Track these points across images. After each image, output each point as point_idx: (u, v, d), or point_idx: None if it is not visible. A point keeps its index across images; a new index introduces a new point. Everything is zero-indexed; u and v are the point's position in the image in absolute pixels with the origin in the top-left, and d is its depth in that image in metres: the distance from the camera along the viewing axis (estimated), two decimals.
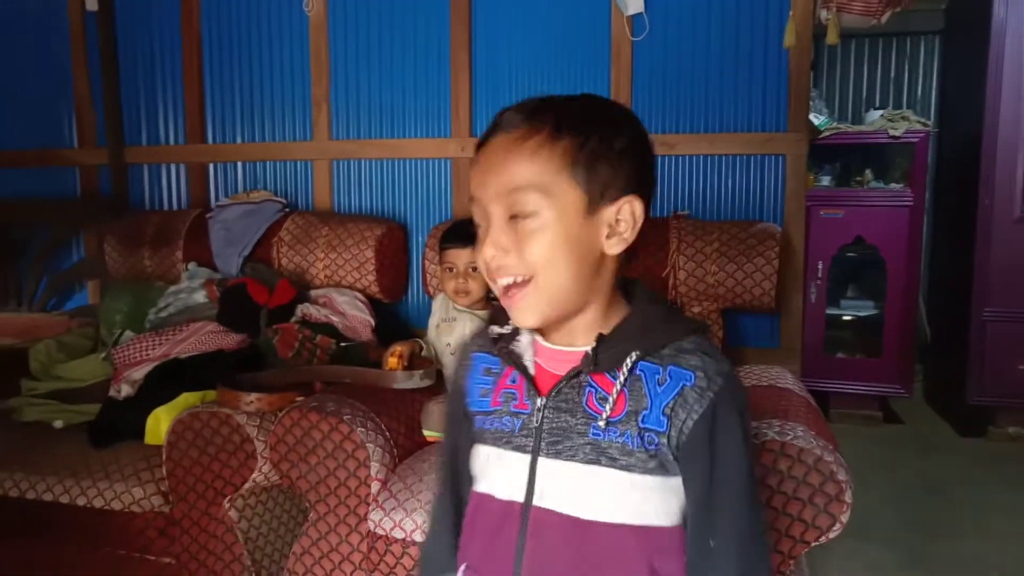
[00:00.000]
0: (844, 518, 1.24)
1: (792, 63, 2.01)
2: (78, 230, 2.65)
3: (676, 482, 0.75)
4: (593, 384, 0.76)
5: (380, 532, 1.51)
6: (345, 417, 1.56)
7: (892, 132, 3.41)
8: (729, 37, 2.06)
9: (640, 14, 2.09)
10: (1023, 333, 3.14)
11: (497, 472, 0.80)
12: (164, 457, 1.65)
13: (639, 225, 0.76)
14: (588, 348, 0.76)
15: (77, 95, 2.65)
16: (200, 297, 2.07)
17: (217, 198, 2.54)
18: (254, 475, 1.64)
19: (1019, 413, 3.20)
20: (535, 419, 0.77)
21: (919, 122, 3.43)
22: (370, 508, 1.53)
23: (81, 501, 1.69)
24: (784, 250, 1.92)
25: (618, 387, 0.74)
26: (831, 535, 1.24)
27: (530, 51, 2.22)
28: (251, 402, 1.65)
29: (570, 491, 0.75)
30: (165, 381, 1.82)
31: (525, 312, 0.75)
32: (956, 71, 3.74)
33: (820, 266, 3.50)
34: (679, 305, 1.90)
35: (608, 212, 0.75)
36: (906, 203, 3.44)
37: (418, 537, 1.46)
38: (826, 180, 3.60)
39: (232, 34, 2.47)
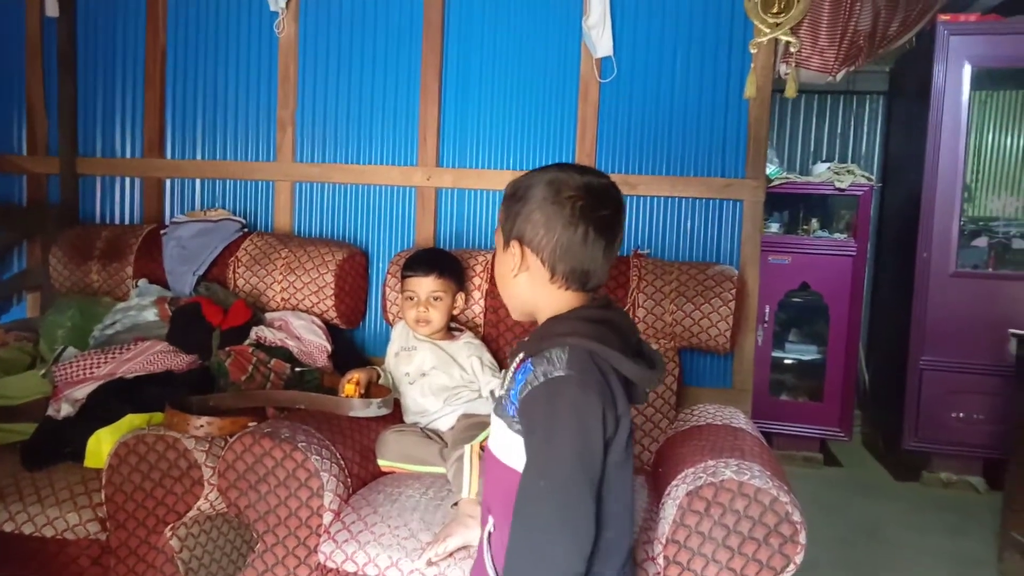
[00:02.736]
0: (798, 559, 1.26)
1: (752, 113, 2.09)
2: (21, 239, 2.54)
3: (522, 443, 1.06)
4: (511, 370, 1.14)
5: (331, 565, 1.47)
6: (300, 444, 1.52)
7: (838, 184, 3.57)
8: (693, 85, 2.14)
9: (609, 57, 2.15)
10: (957, 382, 3.28)
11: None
12: (104, 481, 1.58)
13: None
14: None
15: (30, 101, 2.56)
16: (150, 315, 2.00)
17: (172, 215, 2.47)
18: (199, 503, 1.58)
19: (952, 460, 3.32)
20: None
21: (864, 176, 3.59)
22: (321, 540, 1.49)
23: (8, 527, 1.60)
24: (739, 293, 1.97)
25: (509, 372, 1.12)
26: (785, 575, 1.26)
27: (500, 84, 2.25)
28: (201, 426, 1.59)
29: (493, 438, 1.14)
30: (109, 401, 1.74)
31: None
32: (899, 130, 3.95)
33: (767, 310, 3.60)
34: None
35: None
36: (849, 253, 3.58)
37: (371, 571, 1.43)
38: (774, 227, 3.73)
39: (198, 49, 2.44)
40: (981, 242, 3.42)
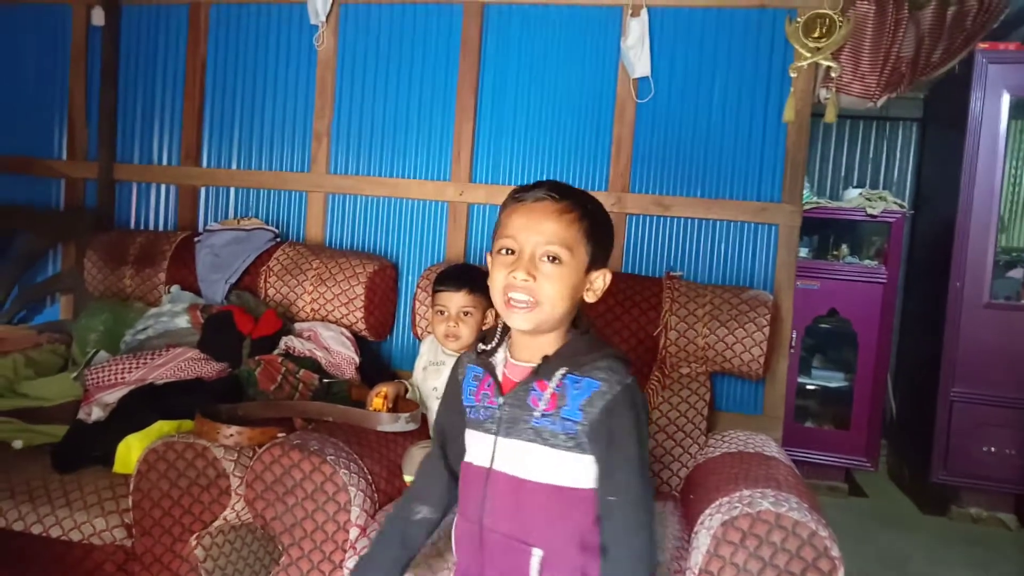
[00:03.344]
0: None
1: (790, 138, 2.07)
2: (57, 242, 2.58)
3: (587, 459, 1.06)
4: (536, 389, 1.08)
5: None
6: (328, 457, 1.51)
7: (870, 211, 3.52)
8: (731, 107, 2.12)
9: (646, 77, 2.14)
10: (988, 415, 3.20)
11: (474, 448, 1.14)
12: (132, 487, 1.58)
13: (605, 288, 1.14)
14: (534, 364, 1.10)
15: (72, 107, 2.61)
16: (182, 322, 2.01)
17: (206, 222, 2.50)
18: (226, 512, 1.58)
19: (982, 494, 3.24)
20: (499, 411, 1.11)
21: (896, 203, 3.55)
22: (347, 555, 1.48)
23: (36, 529, 1.60)
24: (774, 318, 1.94)
25: (550, 391, 1.07)
26: None
27: (536, 102, 2.26)
28: (231, 435, 1.59)
29: (515, 460, 1.09)
30: (139, 407, 1.75)
31: (523, 323, 1.07)
32: (932, 157, 3.90)
33: (794, 335, 3.55)
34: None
35: (594, 275, 1.11)
36: (880, 280, 3.53)
37: None
38: (804, 251, 3.69)
39: (238, 60, 2.48)
40: (1016, 273, 3.35)
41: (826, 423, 3.69)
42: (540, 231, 1.06)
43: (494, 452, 1.10)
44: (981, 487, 3.23)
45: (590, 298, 1.12)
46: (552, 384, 1.06)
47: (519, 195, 1.10)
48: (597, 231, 1.10)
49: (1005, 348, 3.18)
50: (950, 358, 3.26)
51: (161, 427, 1.69)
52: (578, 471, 1.06)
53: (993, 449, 3.20)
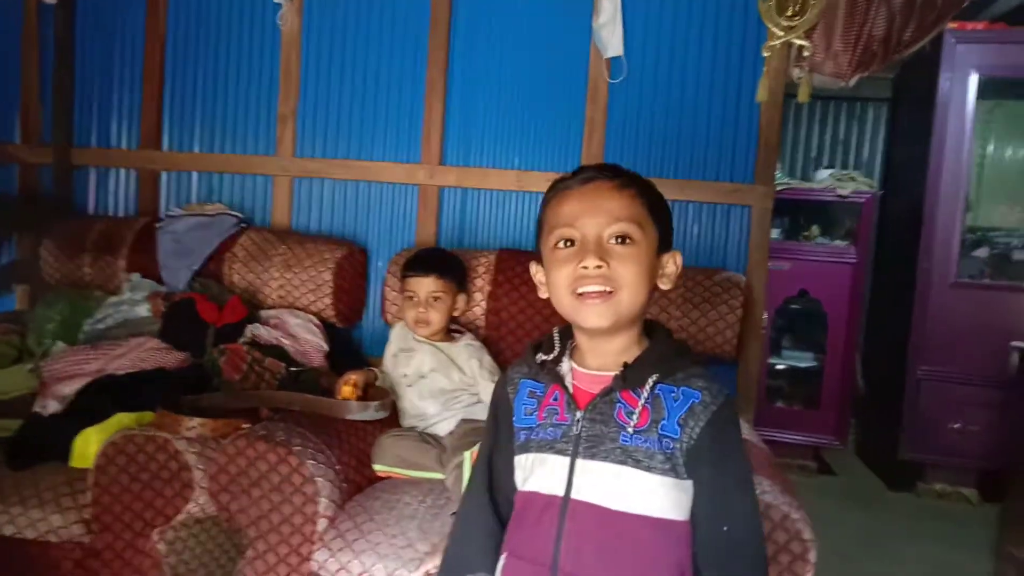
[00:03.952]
0: None
1: (763, 118, 2.06)
2: (12, 230, 2.48)
3: (687, 484, 0.91)
4: (621, 401, 0.93)
5: (324, 574, 1.43)
6: (295, 448, 1.47)
7: (840, 191, 3.54)
8: (704, 87, 2.10)
9: (619, 57, 2.11)
10: (955, 393, 3.26)
11: (541, 473, 0.95)
12: (91, 482, 1.53)
13: (679, 273, 0.99)
14: (617, 372, 0.93)
15: (25, 89, 2.51)
16: (142, 311, 1.95)
17: (168, 208, 2.42)
18: (189, 506, 1.54)
19: (947, 470, 3.30)
20: (574, 428, 0.94)
21: (866, 183, 3.57)
22: (315, 547, 1.45)
23: None
24: (746, 300, 1.93)
25: (642, 403, 0.91)
26: None
27: (507, 82, 2.21)
28: (193, 427, 1.55)
29: (602, 486, 0.90)
30: (98, 399, 1.69)
31: (601, 317, 0.92)
32: (901, 138, 3.92)
33: (765, 316, 3.57)
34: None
35: (665, 258, 0.98)
36: (850, 260, 3.56)
37: None
38: (775, 233, 3.70)
39: (199, 40, 2.39)
40: (982, 252, 3.40)
41: (796, 403, 3.73)
42: (604, 211, 0.93)
43: (571, 477, 0.92)
44: (946, 463, 3.29)
45: (665, 284, 0.98)
46: (644, 395, 0.91)
47: (563, 183, 0.98)
48: (659, 208, 0.98)
49: (972, 327, 3.23)
50: (918, 337, 3.30)
51: (120, 420, 1.64)
52: (679, 499, 0.90)
53: (959, 426, 3.26)
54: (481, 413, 1.79)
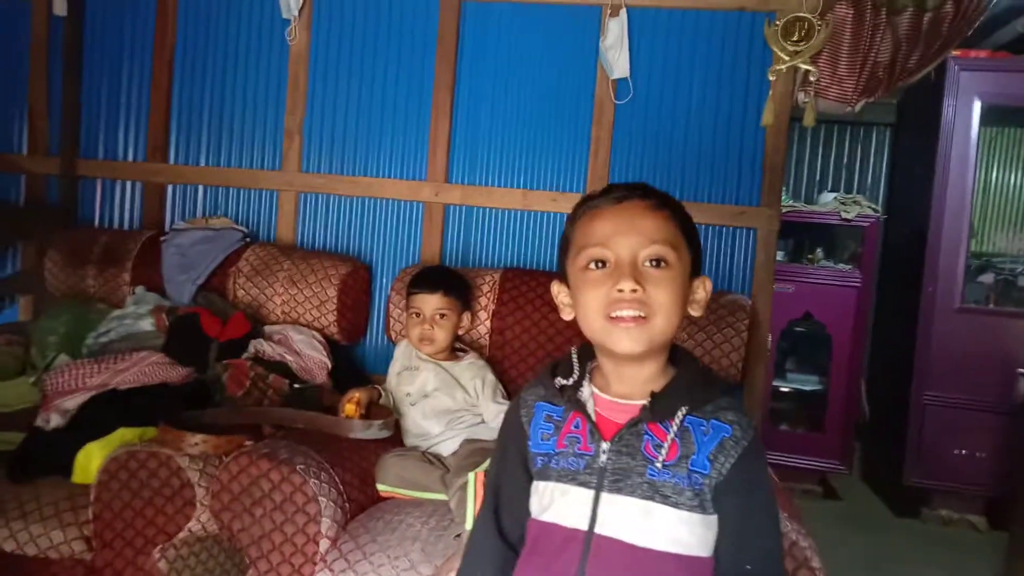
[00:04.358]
0: None
1: (769, 141, 2.06)
2: (17, 240, 2.48)
3: (712, 519, 0.88)
4: (649, 433, 0.89)
5: None
6: (298, 467, 1.46)
7: (844, 215, 3.55)
8: (710, 109, 2.11)
9: (625, 79, 2.12)
10: (960, 419, 3.23)
11: (562, 504, 0.91)
12: (92, 497, 1.52)
13: (708, 299, 0.96)
14: (645, 402, 0.90)
15: (32, 100, 2.52)
16: (146, 324, 1.94)
17: (173, 221, 2.42)
18: (190, 524, 1.52)
19: (953, 496, 3.27)
20: (600, 460, 0.90)
21: (870, 207, 3.57)
22: (316, 568, 1.43)
23: None
24: (752, 323, 1.93)
25: (671, 436, 0.88)
26: None
27: (513, 101, 2.22)
28: (196, 444, 1.53)
29: (629, 522, 0.87)
30: (101, 413, 1.68)
31: (636, 342, 0.89)
32: (905, 162, 3.93)
33: (769, 339, 3.56)
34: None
35: (696, 283, 0.95)
36: (854, 284, 3.55)
37: None
38: (779, 255, 3.70)
39: (207, 54, 2.40)
40: (987, 278, 3.40)
41: (800, 426, 3.71)
42: (638, 231, 0.89)
43: (595, 511, 0.88)
44: (952, 489, 3.26)
45: (695, 311, 0.95)
46: (673, 429, 0.88)
47: (592, 201, 0.95)
48: (690, 231, 0.95)
49: (977, 352, 3.21)
50: (923, 362, 3.28)
51: (123, 435, 1.63)
52: (705, 535, 0.88)
53: (964, 452, 3.24)
54: (485, 433, 1.78)
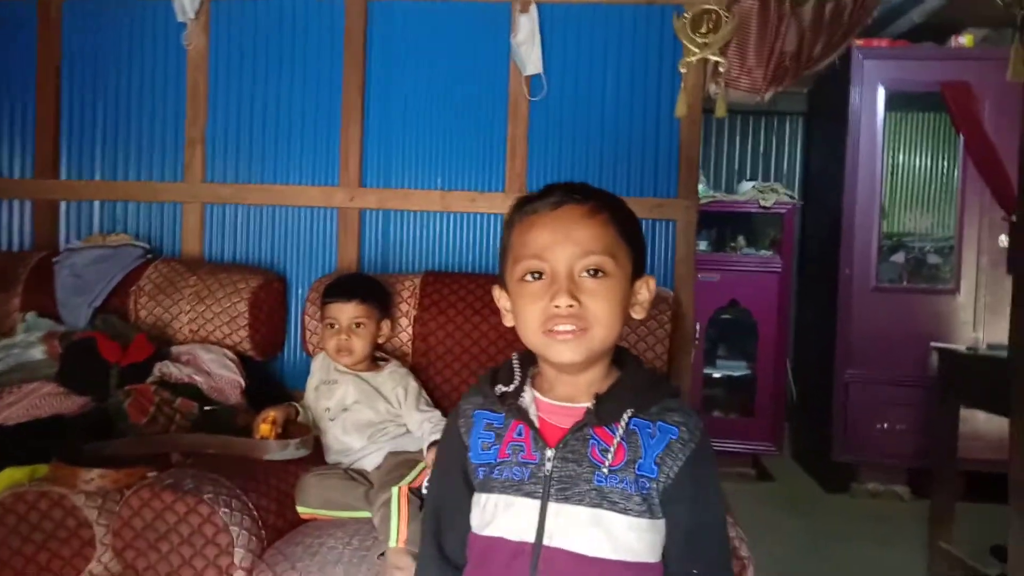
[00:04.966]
0: None
1: (683, 133, 2.07)
2: None
3: (660, 524, 0.87)
4: (595, 437, 0.87)
5: None
6: (206, 496, 1.37)
7: (763, 203, 3.63)
8: (624, 103, 2.10)
9: (539, 75, 2.09)
10: (881, 395, 3.35)
11: (507, 517, 0.88)
12: None
13: (651, 299, 0.94)
14: (589, 404, 0.88)
15: None
16: (37, 353, 1.80)
17: (67, 240, 2.26)
18: (90, 566, 1.41)
19: (878, 470, 3.39)
20: (545, 468, 0.87)
21: (787, 194, 3.67)
22: None
23: None
24: (675, 314, 1.93)
25: (617, 440, 0.86)
26: None
27: (427, 102, 2.17)
28: (91, 479, 1.42)
29: (578, 532, 0.84)
30: None
31: (575, 353, 0.87)
32: (818, 149, 4.06)
33: (698, 327, 3.61)
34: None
35: (638, 284, 0.92)
36: (775, 269, 3.64)
37: None
38: (703, 245, 3.76)
39: (97, 61, 2.26)
40: (899, 257, 3.53)
41: (732, 412, 3.78)
42: (574, 242, 0.86)
43: (542, 522, 0.85)
44: (877, 463, 3.38)
45: (637, 313, 0.93)
46: (619, 432, 0.86)
47: (529, 206, 0.91)
48: (632, 231, 0.92)
49: (892, 329, 3.34)
50: (843, 341, 3.39)
51: (12, 475, 1.49)
52: (653, 540, 0.86)
53: (886, 426, 3.36)
54: (410, 444, 1.72)
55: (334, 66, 2.18)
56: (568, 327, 0.86)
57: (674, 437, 0.86)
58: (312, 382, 1.84)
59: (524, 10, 2.08)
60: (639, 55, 2.10)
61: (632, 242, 0.91)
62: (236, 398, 1.87)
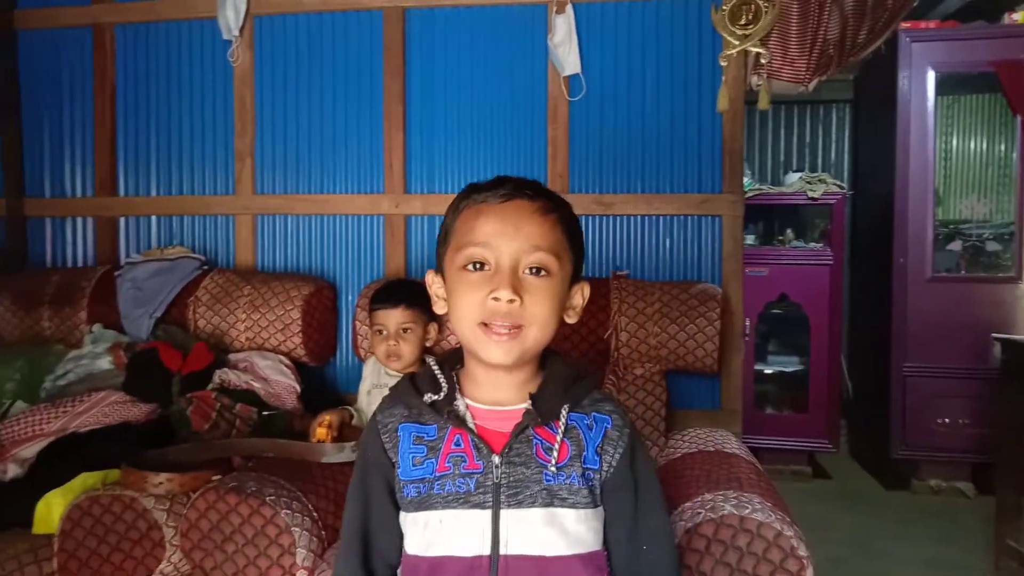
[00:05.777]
0: None
1: (726, 127, 2.04)
2: None
3: (600, 511, 0.89)
4: (538, 437, 0.87)
5: None
6: (268, 498, 1.41)
7: (811, 194, 3.56)
8: (664, 99, 2.09)
9: (577, 75, 2.09)
10: (940, 388, 3.25)
11: (456, 533, 0.85)
12: (56, 548, 1.45)
13: (584, 306, 0.95)
14: (526, 405, 0.88)
15: None
16: (104, 363, 1.88)
17: (128, 254, 2.35)
18: (161, 566, 1.46)
19: (940, 466, 3.29)
20: (493, 475, 0.85)
21: (835, 184, 3.59)
22: None
23: None
24: (724, 311, 1.90)
25: (560, 437, 0.87)
26: None
27: (467, 107, 2.19)
28: (160, 483, 1.48)
29: (534, 535, 0.85)
30: (60, 460, 1.62)
31: (508, 354, 0.85)
32: (866, 138, 3.96)
33: (747, 323, 3.56)
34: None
35: (574, 289, 0.93)
36: (826, 261, 3.56)
37: None
38: (750, 239, 3.71)
39: (149, 82, 2.34)
40: (955, 246, 3.42)
41: (785, 408, 3.71)
42: (523, 236, 0.85)
43: (497, 532, 0.84)
44: (939, 459, 3.28)
45: (570, 318, 0.93)
46: (560, 429, 0.86)
47: (479, 195, 0.88)
48: (576, 235, 0.92)
49: (951, 320, 3.24)
50: (899, 334, 3.30)
51: (85, 480, 1.57)
52: (598, 528, 0.88)
53: (947, 420, 3.26)
54: None
55: (375, 75, 2.22)
56: (505, 324, 0.84)
57: (609, 426, 0.90)
58: (364, 386, 1.88)
59: (560, 11, 2.08)
60: (678, 50, 2.09)
61: (575, 246, 0.91)
62: (292, 403, 1.92)
